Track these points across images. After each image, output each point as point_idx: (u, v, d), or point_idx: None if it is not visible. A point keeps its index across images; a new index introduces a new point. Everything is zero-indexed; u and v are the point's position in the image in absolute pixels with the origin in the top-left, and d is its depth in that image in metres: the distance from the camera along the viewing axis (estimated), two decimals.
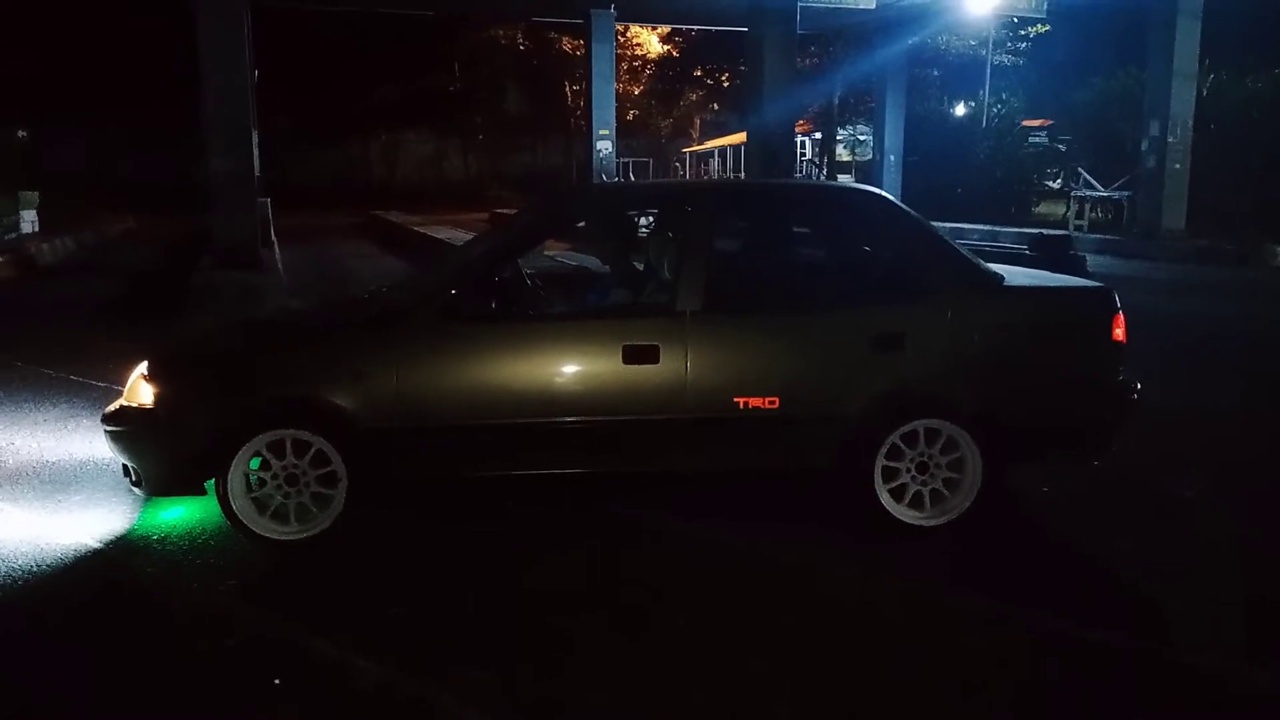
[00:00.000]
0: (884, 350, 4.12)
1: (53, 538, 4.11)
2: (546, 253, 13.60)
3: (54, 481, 4.80)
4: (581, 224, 5.25)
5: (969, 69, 26.60)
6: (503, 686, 2.97)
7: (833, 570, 3.84)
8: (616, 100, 25.20)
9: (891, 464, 4.14)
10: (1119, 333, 4.24)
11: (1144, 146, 17.52)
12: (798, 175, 31.09)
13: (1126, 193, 18.86)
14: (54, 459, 5.16)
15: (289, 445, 3.95)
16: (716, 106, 42.88)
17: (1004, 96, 25.63)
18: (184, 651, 3.23)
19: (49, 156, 26.25)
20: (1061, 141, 24.07)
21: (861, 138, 33.47)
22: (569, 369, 4.05)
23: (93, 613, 3.54)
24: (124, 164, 33.25)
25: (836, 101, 30.57)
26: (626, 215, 5.57)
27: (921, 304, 4.19)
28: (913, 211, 4.57)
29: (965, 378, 4.16)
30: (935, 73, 28.30)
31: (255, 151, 14.06)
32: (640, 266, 5.11)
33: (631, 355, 4.01)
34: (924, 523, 4.15)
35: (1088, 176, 19.85)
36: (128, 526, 4.25)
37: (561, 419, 4.04)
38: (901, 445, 4.13)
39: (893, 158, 23.07)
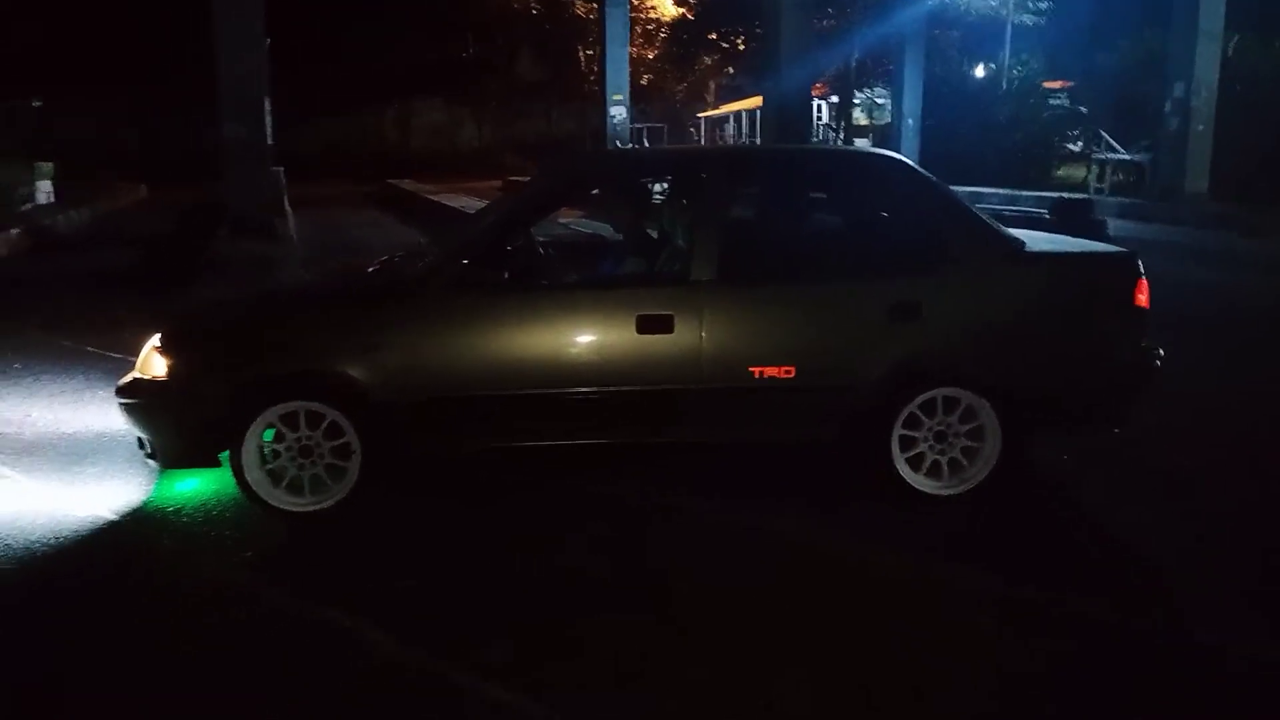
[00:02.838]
0: (902, 318, 4.05)
1: (69, 509, 4.13)
2: (560, 220, 13.52)
3: (71, 453, 4.82)
4: (595, 191, 5.16)
5: (989, 30, 26.16)
6: (517, 662, 2.96)
7: (843, 542, 3.81)
8: (630, 65, 24.98)
9: (909, 433, 4.09)
10: (1142, 299, 4.16)
11: (1167, 108, 17.23)
12: (814, 140, 30.83)
13: (1148, 156, 18.59)
14: (70, 430, 5.17)
15: (303, 417, 3.94)
16: (732, 71, 42.40)
17: (1024, 58, 25.25)
18: (198, 624, 3.23)
19: (61, 127, 26.23)
20: (1083, 104, 23.71)
21: (879, 101, 33.10)
22: (583, 339, 4.02)
23: (108, 585, 3.54)
24: (136, 133, 33.24)
25: (854, 64, 30.18)
26: (640, 182, 5.49)
27: (940, 271, 4.12)
28: (932, 176, 4.48)
29: (984, 346, 4.10)
30: (955, 34, 27.86)
31: (268, 120, 14.00)
32: (654, 235, 5.05)
33: (645, 325, 3.96)
34: (942, 492, 4.11)
35: (1109, 139, 19.57)
36: (143, 498, 4.26)
37: (575, 389, 4.01)
38: (919, 414, 4.08)
39: (911, 121, 22.81)
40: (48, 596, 3.46)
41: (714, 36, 38.64)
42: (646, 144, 34.49)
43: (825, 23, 29.05)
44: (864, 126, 34.58)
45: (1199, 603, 3.37)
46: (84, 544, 3.84)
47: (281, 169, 16.77)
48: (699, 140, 44.69)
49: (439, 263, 4.13)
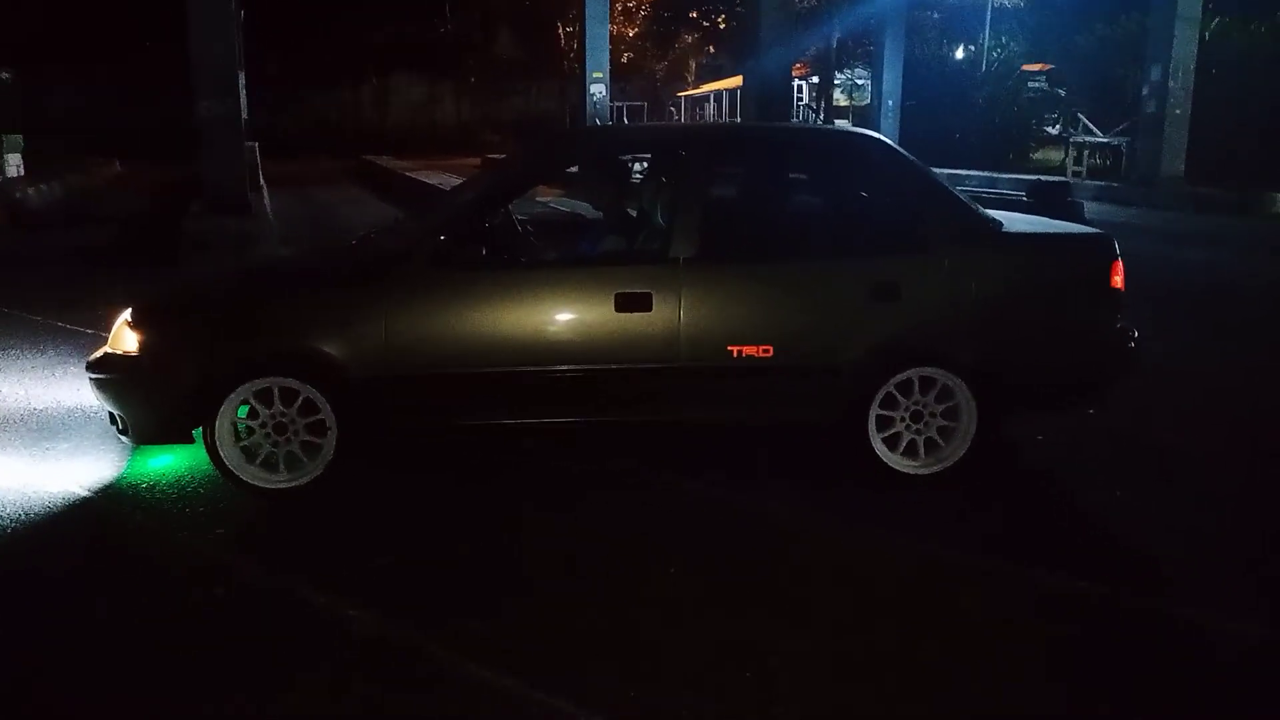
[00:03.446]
0: (880, 298, 4.06)
1: (40, 485, 4.08)
2: (539, 199, 13.46)
3: (42, 429, 4.76)
4: (573, 169, 5.11)
5: (969, 12, 26.20)
6: (496, 638, 2.96)
7: (834, 524, 3.83)
8: (611, 43, 24.80)
9: (886, 413, 4.11)
10: (1117, 280, 4.19)
11: (1144, 92, 17.32)
12: (795, 120, 30.78)
13: (1126, 139, 18.70)
14: (42, 406, 5.11)
15: (277, 394, 3.90)
16: (712, 49, 42.25)
17: (1004, 40, 25.31)
18: (174, 600, 3.21)
19: (34, 100, 25.80)
20: (1061, 86, 23.79)
21: (859, 82, 33.09)
22: (560, 317, 3.99)
23: (82, 561, 3.51)
24: (110, 108, 32.72)
25: (835, 45, 30.13)
26: (619, 160, 5.46)
27: (918, 252, 4.12)
28: (911, 157, 4.48)
29: (961, 326, 4.11)
30: (935, 15, 27.87)
31: (243, 95, 13.83)
32: (634, 213, 5.03)
33: (624, 303, 3.95)
34: (918, 471, 4.14)
35: (1087, 122, 19.66)
36: (117, 474, 4.21)
37: (552, 367, 3.99)
38: (896, 394, 4.10)
39: (891, 102, 22.81)
40: (19, 574, 3.42)
41: (695, 15, 38.52)
42: (626, 122, 34.32)
43: (806, 2, 29.02)
44: (844, 107, 34.55)
45: (1192, 580, 3.41)
46: (56, 521, 3.80)
47: (255, 145, 16.56)
48: (679, 119, 44.53)
49: (416, 240, 4.09)
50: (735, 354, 4.00)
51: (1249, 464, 4.53)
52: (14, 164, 17.51)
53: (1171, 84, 16.80)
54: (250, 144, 14.64)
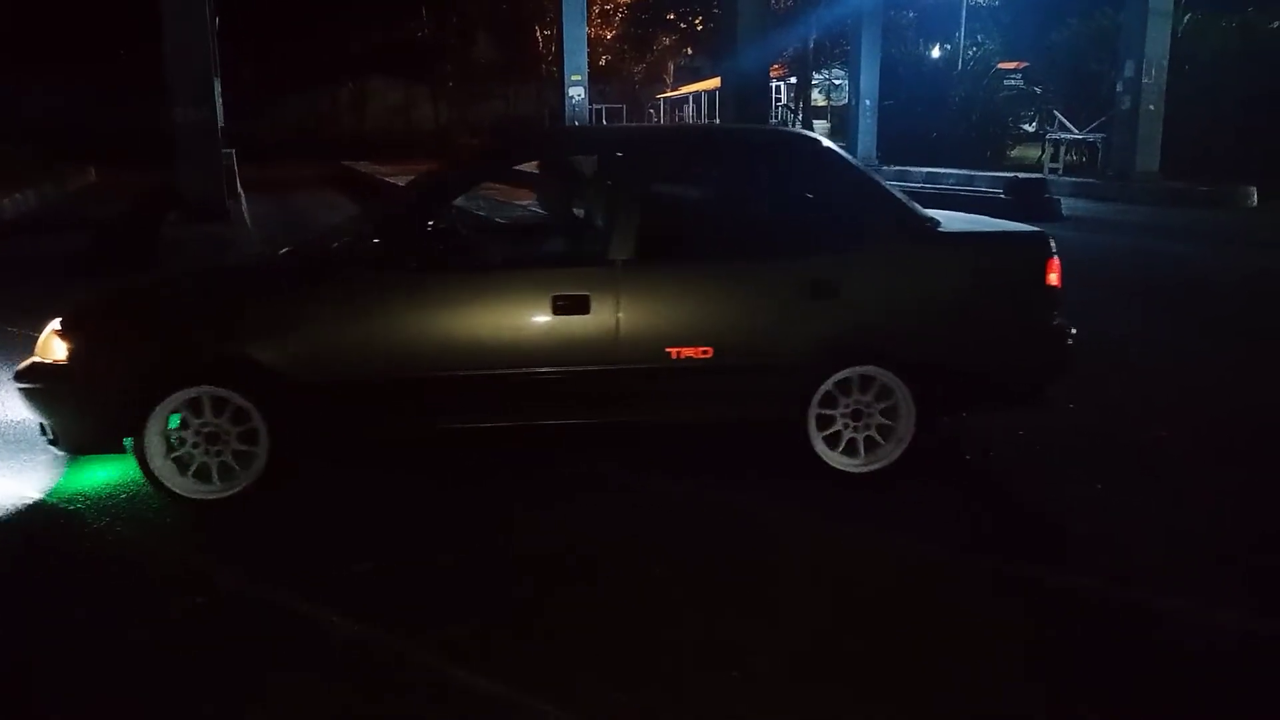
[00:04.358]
0: (818, 298, 4.05)
1: (20, 494, 4.07)
2: (519, 202, 13.43)
3: (19, 440, 4.71)
4: (516, 169, 5.04)
5: (944, 10, 26.34)
6: (480, 643, 2.95)
7: (815, 522, 3.84)
8: (589, 46, 24.80)
9: (826, 411, 4.12)
10: (1053, 278, 4.19)
11: (1119, 88, 17.46)
12: (773, 120, 30.86)
13: (1101, 135, 18.85)
14: (19, 417, 5.05)
15: (207, 403, 3.84)
16: (690, 51, 42.33)
17: (979, 39, 25.46)
18: (153, 610, 3.19)
19: (6, 108, 25.55)
20: (1037, 84, 23.95)
21: (837, 82, 33.22)
22: (498, 320, 3.95)
23: (59, 569, 3.49)
24: (84, 115, 32.44)
25: (812, 45, 30.26)
26: (565, 161, 5.37)
27: (856, 251, 4.13)
28: (849, 156, 4.48)
29: (899, 324, 4.13)
30: (910, 15, 28.02)
31: (219, 101, 13.73)
32: (580, 214, 4.99)
33: (561, 306, 3.92)
34: (858, 469, 4.15)
35: (1063, 119, 19.80)
36: (96, 483, 4.18)
37: (490, 371, 3.95)
38: (836, 393, 4.11)
39: (868, 102, 22.88)
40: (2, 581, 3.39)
41: (672, 17, 38.56)
42: (605, 124, 34.31)
43: (783, 3, 29.10)
44: (822, 107, 34.70)
45: (1175, 573, 3.44)
46: (34, 530, 3.79)
47: (233, 152, 16.49)
48: (658, 121, 44.56)
49: (348, 244, 4.05)
50: (674, 355, 3.99)
51: (1227, 458, 4.57)
52: None
53: (1145, 80, 16.94)
54: (228, 150, 14.57)
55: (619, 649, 2.91)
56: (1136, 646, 2.94)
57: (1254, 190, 15.29)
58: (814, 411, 4.11)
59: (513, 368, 3.96)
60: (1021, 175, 16.26)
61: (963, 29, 24.87)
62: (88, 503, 4.03)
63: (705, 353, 4.00)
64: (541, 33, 37.85)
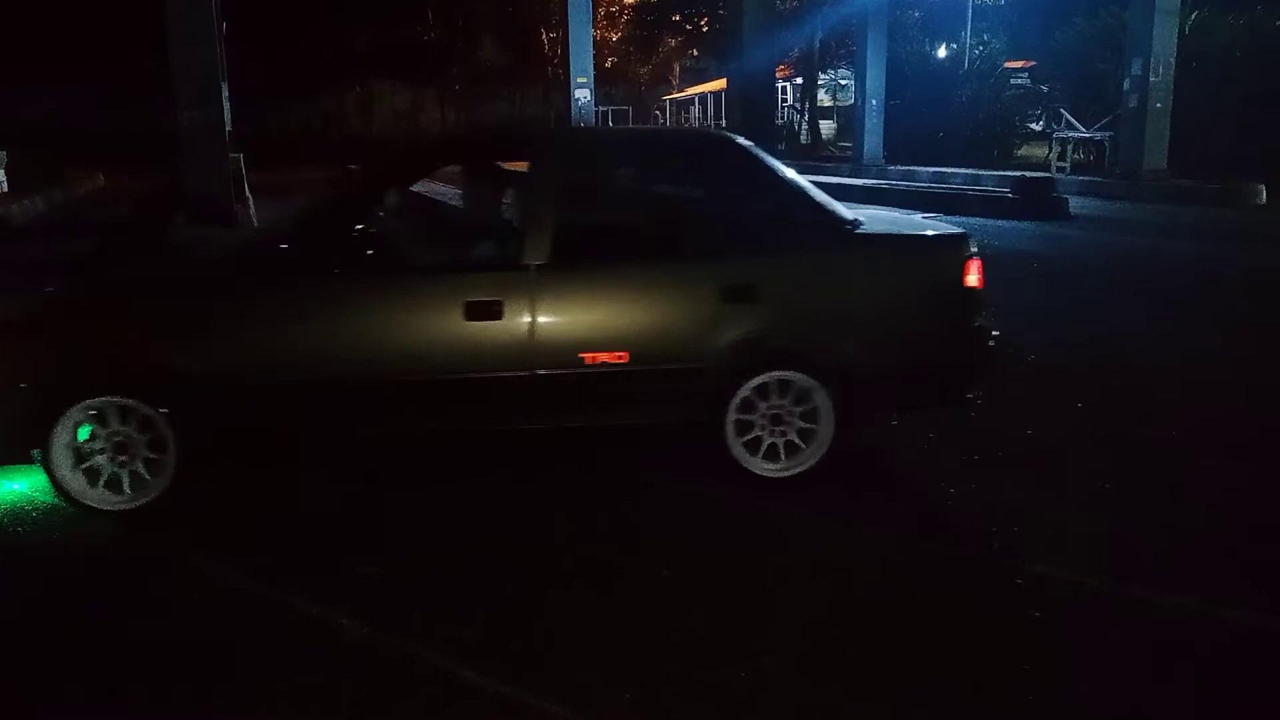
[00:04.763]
0: (735, 301, 4.01)
1: (17, 494, 4.06)
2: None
3: None
4: (443, 170, 4.89)
5: (950, 10, 26.28)
6: (487, 643, 2.95)
7: (815, 520, 3.83)
8: (594, 48, 24.81)
9: (745, 416, 4.09)
10: (972, 279, 4.16)
11: (1126, 86, 17.40)
12: (779, 121, 30.85)
13: (1109, 133, 18.80)
14: None
15: (113, 412, 3.79)
16: (696, 53, 42.36)
17: (985, 38, 25.40)
18: (155, 609, 3.19)
19: (14, 111, 25.65)
20: (1044, 83, 23.89)
21: (843, 83, 33.19)
22: (412, 325, 3.92)
23: (53, 571, 3.50)
24: (93, 118, 32.55)
25: (818, 45, 30.22)
26: (482, 163, 5.09)
27: (774, 254, 4.10)
28: (769, 158, 4.42)
29: (818, 328, 4.10)
30: (916, 14, 27.96)
31: (226, 104, 13.76)
32: (504, 218, 4.83)
33: (473, 311, 3.88)
34: (779, 474, 4.12)
35: (1070, 118, 19.75)
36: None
37: (404, 377, 3.92)
38: (755, 398, 4.08)
39: (874, 102, 22.86)
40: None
41: (678, 18, 38.57)
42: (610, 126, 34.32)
43: (788, 3, 29.08)
44: (828, 108, 34.66)
45: (1175, 570, 3.43)
46: (35, 532, 3.79)
47: (241, 155, 16.54)
48: (663, 123, 44.56)
49: (253, 250, 4.03)
50: (588, 361, 3.94)
51: (1235, 455, 4.55)
52: None
53: (1152, 78, 16.89)
54: (236, 155, 14.58)
55: (627, 648, 2.91)
56: (1140, 642, 2.93)
57: (1263, 188, 15.23)
58: (732, 416, 4.07)
59: (427, 373, 3.92)
60: (1029, 174, 16.21)
61: (969, 28, 24.81)
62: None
63: (620, 357, 3.95)
64: (547, 35, 37.92)
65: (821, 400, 4.07)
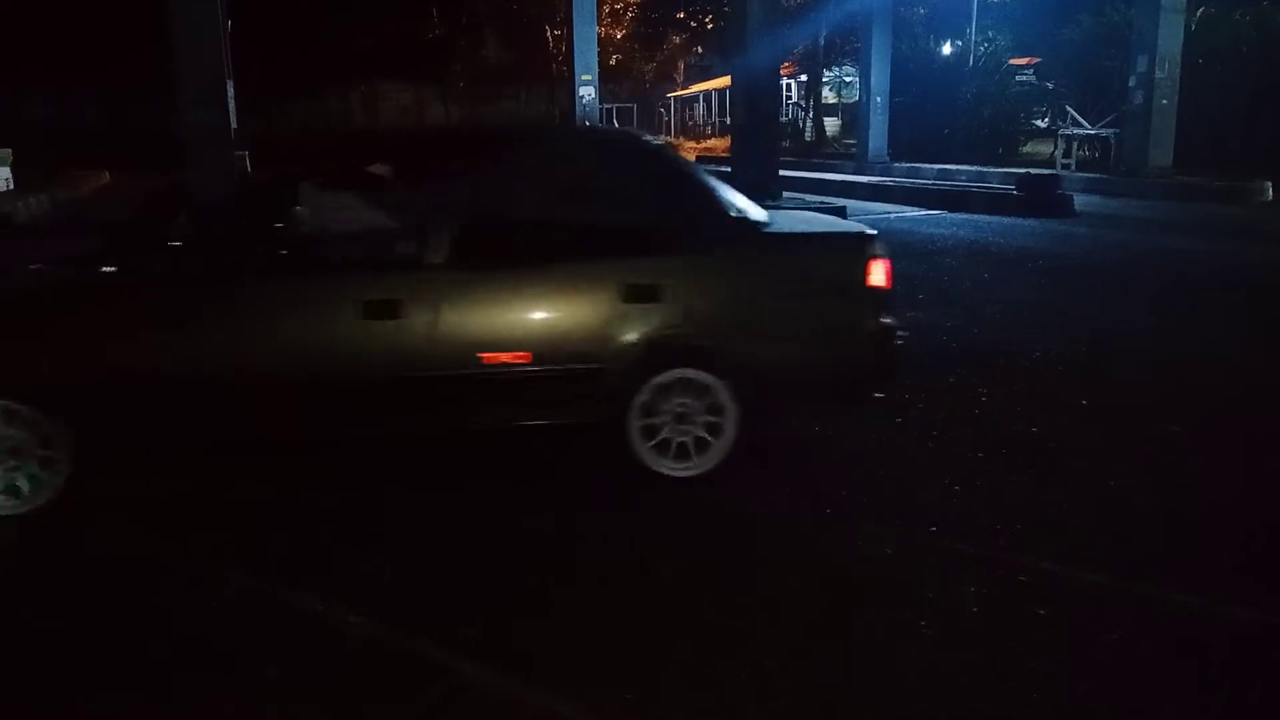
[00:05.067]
0: (638, 301, 3.98)
1: None
2: None
3: None
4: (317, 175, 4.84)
5: (955, 6, 26.24)
6: (490, 641, 2.96)
7: (812, 517, 3.83)
8: (599, 45, 24.79)
9: (650, 416, 4.08)
10: (877, 278, 4.14)
11: (1131, 83, 17.36)
12: (784, 118, 30.82)
13: (1114, 130, 18.75)
14: None
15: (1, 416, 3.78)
16: (700, 50, 42.31)
17: (990, 35, 25.36)
18: (158, 607, 3.20)
19: (18, 110, 25.68)
20: (1049, 79, 23.85)
21: (847, 79, 33.16)
22: (312, 326, 3.91)
23: (67, 570, 3.51)
24: (98, 117, 32.58)
25: (823, 42, 30.19)
26: (376, 164, 4.90)
27: (677, 253, 4.08)
28: (675, 156, 4.39)
29: (721, 327, 4.08)
30: (921, 11, 27.92)
31: (232, 103, 13.77)
32: (405, 219, 4.80)
33: (372, 310, 3.86)
34: (684, 473, 4.11)
35: (1075, 114, 19.71)
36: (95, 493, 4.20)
37: (305, 378, 3.91)
38: (658, 397, 4.07)
39: (879, 99, 22.83)
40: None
41: (682, 15, 38.53)
42: (616, 124, 34.36)
43: (793, 0, 29.03)
44: (833, 105, 34.64)
45: (1188, 566, 3.43)
46: (41, 532, 3.81)
47: (246, 154, 16.56)
48: (668, 120, 44.56)
49: (152, 248, 4.09)
50: (487, 361, 3.93)
51: (1240, 451, 4.54)
52: (3, 178, 17.44)
53: (1158, 75, 16.84)
54: (240, 152, 14.59)
55: (629, 646, 2.91)
56: (1147, 639, 2.93)
57: (1269, 185, 15.19)
58: (635, 416, 4.07)
59: (326, 374, 3.91)
60: (1034, 171, 16.19)
61: (973, 25, 24.78)
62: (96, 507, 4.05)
63: (521, 358, 3.94)
64: (552, 32, 37.87)
65: (726, 398, 4.07)
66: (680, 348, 4.07)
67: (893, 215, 14.51)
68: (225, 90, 13.38)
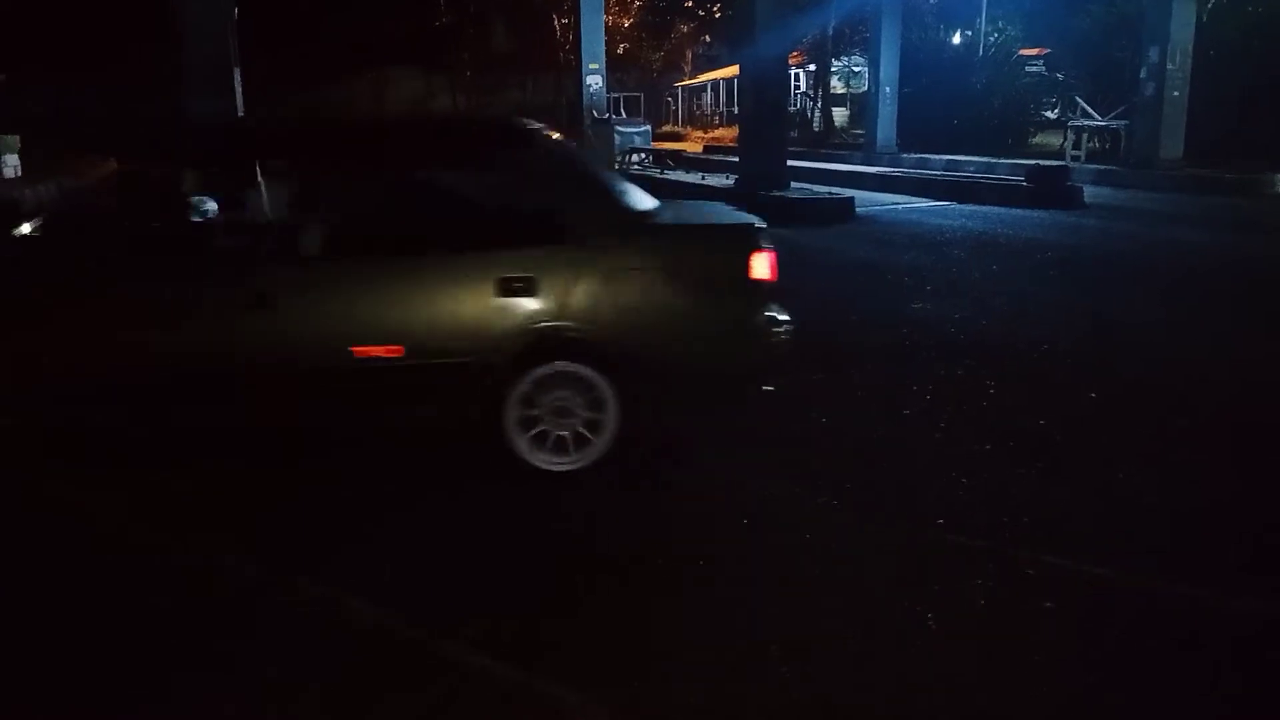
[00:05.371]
0: (515, 293, 3.94)
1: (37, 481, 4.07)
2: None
3: None
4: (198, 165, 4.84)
5: None
6: (501, 635, 2.95)
7: (812, 515, 3.82)
8: (606, 34, 24.74)
9: (529, 410, 4.05)
10: (760, 270, 4.09)
11: (1142, 74, 17.24)
12: (792, 108, 30.71)
13: (1124, 122, 18.63)
14: None
15: None
16: (708, 39, 42.21)
17: (1000, 25, 25.19)
18: (161, 606, 3.20)
19: (25, 98, 25.70)
20: (1059, 70, 23.71)
21: (856, 69, 32.98)
22: (184, 319, 3.91)
23: (74, 561, 3.51)
24: (106, 106, 32.56)
25: (831, 32, 30.04)
26: (245, 156, 4.80)
27: (556, 244, 4.03)
28: (558, 145, 4.31)
29: (600, 319, 4.02)
30: (930, 0, 27.76)
31: (238, 92, 13.75)
32: (278, 210, 4.77)
33: (245, 303, 3.85)
34: (565, 468, 4.08)
35: (1085, 106, 19.59)
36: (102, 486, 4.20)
37: (174, 369, 3.91)
38: (537, 390, 4.04)
39: (888, 89, 22.72)
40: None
41: (690, 4, 38.42)
42: (623, 113, 34.30)
43: None
44: (841, 95, 34.48)
45: (1194, 559, 3.41)
46: (51, 526, 3.80)
47: None
48: (675, 110, 44.45)
49: (34, 240, 4.09)
50: (359, 354, 3.90)
51: (1241, 449, 4.52)
52: (10, 165, 17.48)
53: (1170, 66, 16.72)
54: None
55: (643, 640, 2.91)
56: (1152, 632, 2.92)
57: None
58: (513, 409, 4.03)
59: (195, 366, 3.90)
60: (1043, 163, 16.08)
61: (983, 15, 24.63)
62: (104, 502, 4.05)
63: (394, 351, 3.90)
64: (559, 21, 37.76)
65: (605, 391, 4.04)
66: (558, 340, 4.00)
67: (901, 206, 14.45)
68: (232, 79, 13.35)
